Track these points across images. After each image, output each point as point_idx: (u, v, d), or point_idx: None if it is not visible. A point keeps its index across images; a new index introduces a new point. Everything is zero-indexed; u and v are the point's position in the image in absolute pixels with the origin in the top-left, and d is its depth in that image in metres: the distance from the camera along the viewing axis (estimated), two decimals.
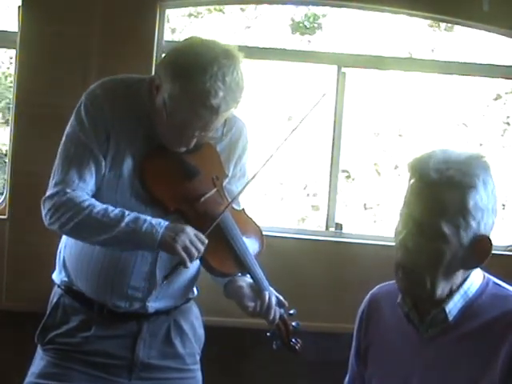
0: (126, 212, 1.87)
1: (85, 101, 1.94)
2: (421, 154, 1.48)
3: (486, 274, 1.54)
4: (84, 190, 1.90)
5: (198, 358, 2.14)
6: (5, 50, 4.48)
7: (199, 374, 2.13)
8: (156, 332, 2.04)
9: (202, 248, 1.84)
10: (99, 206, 1.87)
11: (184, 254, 1.82)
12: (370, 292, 1.70)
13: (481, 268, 1.52)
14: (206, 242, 1.86)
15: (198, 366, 2.13)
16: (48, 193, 1.92)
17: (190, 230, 1.84)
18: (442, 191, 1.41)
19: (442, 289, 1.47)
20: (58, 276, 2.06)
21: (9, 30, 3.46)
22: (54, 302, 2.05)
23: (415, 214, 1.45)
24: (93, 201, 1.89)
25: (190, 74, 1.80)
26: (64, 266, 2.03)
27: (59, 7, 3.24)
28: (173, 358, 2.06)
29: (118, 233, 1.84)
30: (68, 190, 1.88)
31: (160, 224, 1.85)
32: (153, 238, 1.83)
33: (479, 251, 1.45)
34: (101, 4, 3.25)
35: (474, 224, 1.42)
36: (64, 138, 1.95)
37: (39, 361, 2.03)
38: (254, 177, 2.01)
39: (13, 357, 2.76)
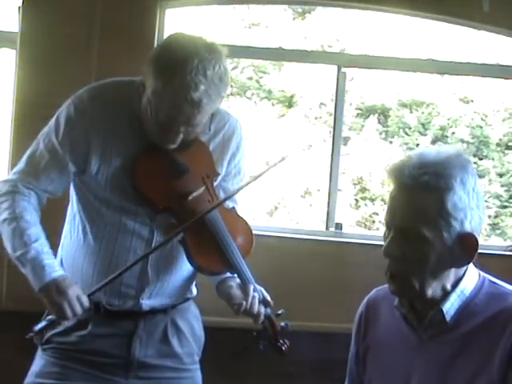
0: (38, 242, 1.88)
1: (69, 105, 1.95)
2: (398, 160, 1.49)
3: (482, 273, 1.55)
4: (35, 188, 1.94)
5: (196, 358, 2.12)
6: None
7: (198, 375, 2.12)
8: (153, 331, 2.03)
9: (79, 311, 1.85)
10: (24, 221, 1.90)
11: (57, 313, 1.83)
12: (368, 296, 1.71)
13: (475, 266, 1.53)
14: (87, 305, 1.87)
15: (196, 366, 2.12)
16: (7, 177, 1.99)
17: (73, 292, 1.84)
18: (419, 197, 1.42)
19: (432, 289, 1.47)
20: None
21: (9, 30, 3.47)
22: None
23: (396, 220, 1.46)
24: (28, 211, 1.91)
25: (170, 68, 1.79)
26: (61, 265, 2.03)
27: (59, 7, 3.24)
28: (170, 357, 2.05)
29: (19, 256, 1.88)
30: (19, 185, 1.93)
31: (51, 274, 1.85)
32: (37, 282, 1.86)
33: (466, 248, 1.45)
34: (101, 4, 3.26)
35: (456, 224, 1.43)
36: (40, 134, 1.98)
37: (38, 360, 2.03)
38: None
39: (13, 357, 2.77)
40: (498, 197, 5.75)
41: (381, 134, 5.96)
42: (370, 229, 5.84)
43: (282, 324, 1.99)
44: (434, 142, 5.87)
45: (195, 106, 1.80)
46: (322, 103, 5.96)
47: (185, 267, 2.03)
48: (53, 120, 1.97)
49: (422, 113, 5.95)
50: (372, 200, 5.99)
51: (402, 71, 4.03)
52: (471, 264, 1.51)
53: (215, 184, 2.03)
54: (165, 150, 1.93)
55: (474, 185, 1.44)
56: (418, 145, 5.87)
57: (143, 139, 1.93)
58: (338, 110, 3.64)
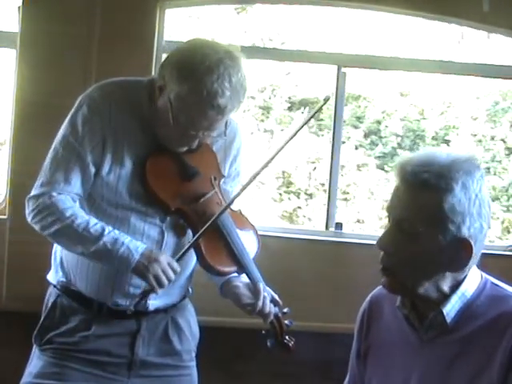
0: (107, 229, 1.90)
1: (82, 104, 1.95)
2: (406, 155, 1.49)
3: (484, 275, 1.54)
4: (69, 193, 1.93)
5: (193, 354, 2.15)
6: None
7: (195, 371, 2.14)
8: (154, 329, 2.05)
9: (173, 277, 1.89)
10: (81, 218, 1.90)
11: (154, 283, 1.87)
12: (371, 293, 1.71)
13: (477, 267, 1.52)
14: (179, 270, 1.91)
15: (193, 363, 2.14)
16: (33, 192, 1.95)
17: (164, 259, 1.89)
18: (418, 193, 1.42)
19: (424, 288, 1.47)
20: (54, 276, 2.06)
21: (9, 30, 3.47)
22: (50, 302, 2.04)
23: (394, 211, 1.47)
24: (76, 209, 1.92)
25: (197, 74, 1.82)
26: (61, 266, 2.04)
27: (59, 7, 3.24)
28: (170, 355, 2.07)
29: (95, 250, 1.88)
30: (54, 194, 1.91)
31: (137, 249, 1.88)
32: (127, 263, 1.88)
33: (461, 254, 1.44)
34: (100, 4, 3.25)
35: (452, 227, 1.41)
36: (56, 140, 1.97)
37: (36, 361, 2.02)
38: (252, 180, 2.03)
39: (13, 357, 2.75)
40: None
41: (311, 127, 5.92)
42: (296, 223, 5.80)
43: (286, 322, 2.04)
44: (366, 135, 5.83)
45: (220, 112, 1.84)
46: (250, 96, 5.97)
47: (189, 267, 2.05)
48: (66, 123, 1.95)
49: (359, 106, 5.92)
50: (296, 194, 5.96)
51: (402, 71, 4.02)
52: (474, 266, 1.50)
53: (220, 186, 2.05)
54: (174, 153, 1.95)
55: (478, 191, 1.42)
56: (349, 138, 5.83)
57: (152, 141, 1.94)
58: (338, 109, 3.64)
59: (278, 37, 5.75)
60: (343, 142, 5.79)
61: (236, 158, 2.11)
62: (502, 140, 5.73)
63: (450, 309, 1.48)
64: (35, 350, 2.05)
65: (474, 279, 1.50)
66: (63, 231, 1.89)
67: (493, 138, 5.77)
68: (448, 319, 1.48)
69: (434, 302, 1.48)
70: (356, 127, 5.85)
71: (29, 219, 1.94)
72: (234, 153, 2.10)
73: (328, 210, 3.60)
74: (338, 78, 3.62)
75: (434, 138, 5.84)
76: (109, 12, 3.26)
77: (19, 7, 3.27)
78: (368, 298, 1.70)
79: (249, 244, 2.04)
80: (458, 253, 1.43)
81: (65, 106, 2.02)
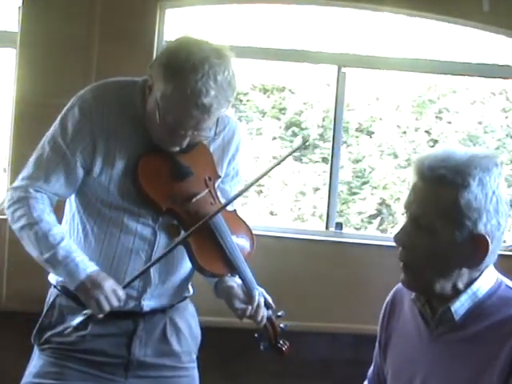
0: (65, 241, 1.90)
1: (73, 105, 1.94)
2: (425, 153, 1.50)
3: (500, 277, 1.53)
4: (46, 191, 1.94)
5: (194, 356, 2.14)
6: None
7: (195, 373, 2.13)
8: (152, 330, 2.04)
9: (115, 304, 1.87)
10: (46, 223, 1.91)
11: (95, 307, 1.85)
12: (396, 286, 1.70)
13: (495, 268, 1.52)
14: (123, 297, 1.89)
15: (194, 365, 2.13)
16: (14, 184, 1.97)
17: (109, 286, 1.86)
18: (435, 189, 1.43)
19: (441, 285, 1.47)
20: (54, 276, 2.06)
21: (9, 30, 3.47)
22: (50, 302, 2.05)
23: (411, 206, 1.47)
24: (45, 214, 1.92)
25: (181, 73, 1.80)
26: None
27: (59, 7, 3.25)
28: (168, 356, 2.06)
29: (47, 258, 1.89)
30: (30, 190, 1.92)
31: (85, 270, 1.88)
32: (72, 280, 1.88)
33: (477, 250, 1.44)
34: (100, 4, 3.26)
35: (468, 223, 1.42)
36: (45, 137, 1.97)
37: (36, 360, 2.02)
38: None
39: (13, 357, 2.76)
40: (348, 183, 5.67)
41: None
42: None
43: (282, 325, 2.01)
44: (287, 127, 5.78)
45: (205, 111, 1.81)
46: None
47: (184, 267, 2.04)
48: (57, 122, 1.95)
49: (283, 99, 5.83)
50: None
51: (402, 71, 4.03)
52: (491, 266, 1.50)
53: (215, 186, 2.04)
54: (167, 153, 1.93)
55: (495, 188, 1.42)
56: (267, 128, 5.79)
57: (146, 141, 1.93)
58: (337, 110, 3.65)
59: (277, 37, 5.74)
60: (260, 134, 5.78)
61: (234, 157, 2.10)
62: (427, 132, 5.72)
63: (459, 306, 1.48)
64: (36, 350, 2.05)
65: (488, 279, 1.50)
66: (25, 229, 1.90)
67: (417, 130, 5.74)
68: (456, 316, 1.48)
69: (447, 298, 1.48)
70: (278, 119, 5.79)
71: (5, 209, 1.96)
72: (232, 152, 2.08)
73: (328, 210, 3.61)
74: (338, 78, 3.63)
75: (357, 130, 5.80)
76: (109, 12, 3.26)
77: (19, 7, 3.28)
78: (393, 290, 1.70)
79: (242, 245, 2.02)
80: (474, 249, 1.43)
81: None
